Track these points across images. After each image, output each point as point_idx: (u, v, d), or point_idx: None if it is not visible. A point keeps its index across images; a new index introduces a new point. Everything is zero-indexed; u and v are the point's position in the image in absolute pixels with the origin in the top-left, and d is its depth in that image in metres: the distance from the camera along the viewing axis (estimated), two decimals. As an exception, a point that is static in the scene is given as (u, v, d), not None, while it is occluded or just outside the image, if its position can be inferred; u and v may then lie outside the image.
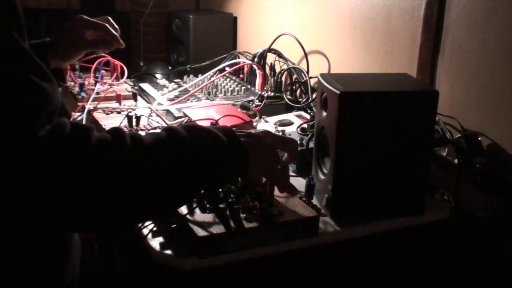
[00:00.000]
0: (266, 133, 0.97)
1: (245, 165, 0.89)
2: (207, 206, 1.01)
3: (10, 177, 0.70)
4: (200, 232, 0.94)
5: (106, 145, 0.76)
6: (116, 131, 0.79)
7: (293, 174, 1.32)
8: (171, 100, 1.78)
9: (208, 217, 0.99)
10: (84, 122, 1.55)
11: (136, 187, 0.77)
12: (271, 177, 1.00)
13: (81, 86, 1.84)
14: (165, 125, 1.25)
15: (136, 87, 1.93)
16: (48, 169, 0.71)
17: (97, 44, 1.37)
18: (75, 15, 1.34)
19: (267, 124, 1.58)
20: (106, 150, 0.75)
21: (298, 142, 1.36)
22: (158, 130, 0.88)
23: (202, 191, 0.89)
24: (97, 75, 1.94)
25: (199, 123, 1.42)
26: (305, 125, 1.48)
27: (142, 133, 0.99)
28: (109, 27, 1.35)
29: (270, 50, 2.00)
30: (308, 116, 1.66)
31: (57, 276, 0.94)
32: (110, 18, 1.38)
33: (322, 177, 1.16)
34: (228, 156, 0.86)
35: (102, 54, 1.95)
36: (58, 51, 1.30)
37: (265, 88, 1.92)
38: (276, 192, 1.09)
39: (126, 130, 1.25)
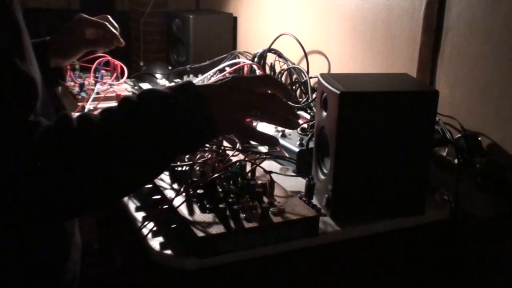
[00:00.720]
0: (235, 80, 0.86)
1: (212, 127, 0.80)
2: (207, 206, 1.01)
3: None
4: (200, 232, 0.94)
5: (50, 136, 0.73)
6: (60, 117, 0.76)
7: (293, 174, 1.32)
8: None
9: (208, 217, 0.99)
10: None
11: (91, 167, 0.74)
12: (245, 134, 0.91)
13: (81, 86, 1.84)
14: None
15: (136, 87, 1.93)
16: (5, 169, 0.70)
17: (97, 42, 1.37)
18: (75, 14, 1.34)
19: (267, 124, 1.57)
20: (51, 140, 0.73)
21: (298, 143, 1.36)
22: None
23: (165, 162, 0.83)
24: (97, 75, 1.94)
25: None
26: (305, 125, 1.48)
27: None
28: (108, 25, 1.35)
29: (270, 50, 2.00)
30: (308, 116, 1.66)
31: (57, 275, 0.94)
32: (109, 16, 1.38)
33: (322, 177, 1.16)
34: (190, 120, 0.79)
35: (102, 54, 1.96)
36: (58, 50, 1.31)
37: (265, 88, 1.91)
38: (276, 192, 1.09)
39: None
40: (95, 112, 0.80)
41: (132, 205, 1.13)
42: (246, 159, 1.16)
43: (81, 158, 0.73)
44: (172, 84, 0.81)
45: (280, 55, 2.00)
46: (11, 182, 0.71)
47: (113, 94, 1.81)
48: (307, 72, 1.88)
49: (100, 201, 0.81)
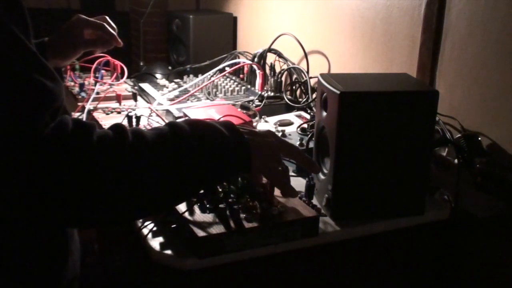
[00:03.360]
0: (270, 133, 0.97)
1: (247, 163, 0.89)
2: (207, 206, 1.01)
3: (13, 175, 0.70)
4: (200, 232, 0.94)
5: (107, 143, 0.76)
6: (117, 127, 0.80)
7: (293, 174, 1.32)
8: (171, 100, 1.78)
9: (208, 217, 0.99)
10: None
11: (138, 184, 0.77)
12: (272, 178, 0.99)
13: (81, 86, 1.84)
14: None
15: (136, 87, 1.93)
16: (50, 167, 0.71)
17: (96, 43, 1.38)
18: (74, 15, 1.34)
19: (267, 124, 1.58)
20: (108, 147, 0.76)
21: (298, 143, 1.36)
22: (161, 125, 0.88)
23: (204, 187, 0.89)
24: (97, 75, 1.94)
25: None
26: (305, 125, 1.48)
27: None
28: (107, 26, 1.35)
29: (270, 50, 2.00)
30: (308, 116, 1.66)
31: (57, 275, 0.94)
32: (107, 17, 1.38)
33: (322, 177, 1.16)
34: (231, 152, 0.87)
35: (102, 54, 1.96)
36: (56, 50, 1.31)
37: (265, 88, 1.92)
38: (276, 192, 1.09)
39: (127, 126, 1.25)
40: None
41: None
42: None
43: (132, 173, 0.77)
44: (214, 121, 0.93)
45: (280, 55, 2.00)
46: (61, 180, 0.72)
47: (113, 94, 1.80)
48: (307, 72, 1.88)
49: (143, 214, 0.89)
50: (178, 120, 0.88)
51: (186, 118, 0.88)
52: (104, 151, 0.75)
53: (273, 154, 0.94)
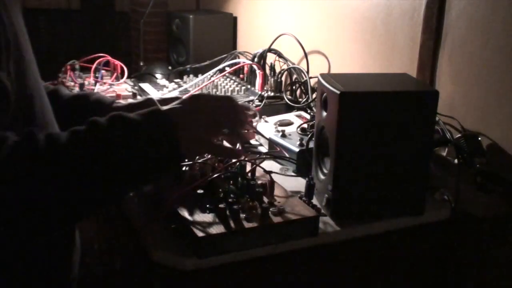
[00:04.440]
0: (200, 101, 0.92)
1: (177, 157, 0.86)
2: (207, 206, 1.01)
3: None
4: (200, 232, 0.94)
5: (18, 154, 0.74)
6: (28, 135, 0.77)
7: (293, 174, 1.32)
8: (171, 100, 1.78)
9: (208, 217, 0.99)
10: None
11: (60, 186, 0.76)
12: (214, 153, 0.96)
13: (81, 86, 1.84)
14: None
15: (136, 87, 1.93)
16: None
17: None
18: (148, 98, 1.22)
19: (267, 124, 1.58)
20: (19, 158, 0.74)
21: (298, 143, 1.36)
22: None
23: (132, 185, 0.87)
24: (97, 75, 1.94)
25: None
26: (305, 125, 1.48)
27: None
28: (228, 96, 1.26)
29: (270, 50, 2.00)
30: (308, 116, 1.66)
31: (58, 277, 0.94)
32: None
33: (322, 177, 1.16)
34: (157, 150, 0.83)
35: (102, 54, 1.96)
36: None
37: (265, 88, 1.92)
38: (276, 192, 1.09)
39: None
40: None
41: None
42: (246, 159, 1.16)
43: (47, 179, 0.75)
44: (141, 111, 0.87)
45: (280, 55, 1.99)
46: None
47: (113, 94, 1.80)
48: (307, 72, 1.88)
49: (59, 222, 0.82)
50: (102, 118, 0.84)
51: (111, 114, 0.84)
52: (16, 163, 0.73)
53: (205, 135, 0.90)
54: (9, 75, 0.77)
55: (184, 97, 0.94)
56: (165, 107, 0.89)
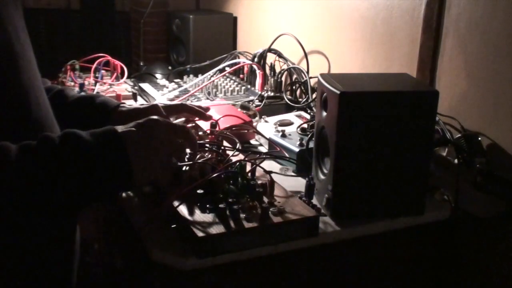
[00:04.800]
0: (155, 127, 0.91)
1: (128, 183, 0.86)
2: (207, 206, 1.01)
3: None
4: (200, 232, 0.94)
5: None
6: None
7: (293, 174, 1.32)
8: (171, 100, 1.78)
9: (208, 217, 0.99)
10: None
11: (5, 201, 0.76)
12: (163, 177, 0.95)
13: (81, 86, 1.84)
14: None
15: (136, 87, 1.93)
16: None
17: None
18: (153, 105, 1.20)
19: (267, 124, 1.58)
20: None
21: (298, 143, 1.36)
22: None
23: (87, 202, 0.87)
24: (97, 75, 1.94)
25: (199, 123, 1.42)
26: (305, 125, 1.48)
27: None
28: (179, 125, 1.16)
29: (270, 50, 2.00)
30: (308, 116, 1.66)
31: (55, 282, 0.94)
32: (187, 104, 1.24)
33: (322, 177, 1.16)
34: (108, 174, 0.83)
35: (102, 54, 1.96)
36: (119, 123, 1.22)
37: (265, 88, 1.92)
38: (276, 192, 1.09)
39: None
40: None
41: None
42: (246, 159, 1.16)
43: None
44: (95, 130, 0.86)
45: (280, 55, 2.00)
46: None
47: (113, 94, 1.81)
48: (307, 72, 1.89)
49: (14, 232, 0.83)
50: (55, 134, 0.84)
51: (65, 130, 0.85)
52: None
53: (157, 158, 0.90)
54: None
55: (141, 120, 0.92)
56: (120, 128, 0.88)
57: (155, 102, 1.23)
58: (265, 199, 1.06)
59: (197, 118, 1.26)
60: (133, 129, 0.88)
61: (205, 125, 1.33)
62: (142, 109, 1.17)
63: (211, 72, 1.93)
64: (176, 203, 1.02)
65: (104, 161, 0.82)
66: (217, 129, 1.33)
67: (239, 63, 1.98)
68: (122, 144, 0.85)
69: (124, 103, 1.22)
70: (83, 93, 1.74)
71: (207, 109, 1.26)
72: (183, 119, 1.26)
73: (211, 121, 1.34)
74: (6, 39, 0.80)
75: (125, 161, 0.84)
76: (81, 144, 0.82)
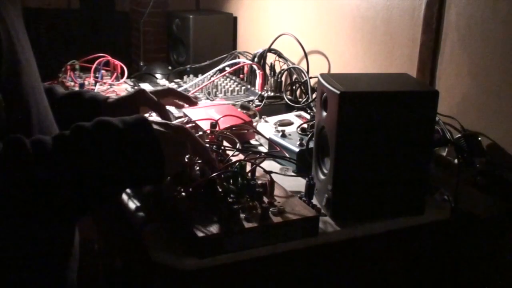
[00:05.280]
0: (181, 129, 0.96)
1: (160, 169, 0.88)
2: (207, 206, 1.01)
3: None
4: (200, 232, 0.94)
5: (5, 162, 0.75)
6: (12, 141, 0.78)
7: (293, 174, 1.32)
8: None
9: (208, 217, 0.99)
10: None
11: (48, 191, 0.77)
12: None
13: (81, 86, 1.84)
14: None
15: (136, 87, 1.93)
16: None
17: None
18: (139, 90, 1.23)
19: (267, 124, 1.58)
20: (6, 165, 0.75)
21: (298, 143, 1.36)
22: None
23: (118, 190, 0.89)
24: (97, 75, 1.94)
25: (199, 123, 1.42)
26: (305, 125, 1.48)
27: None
28: (165, 109, 1.22)
29: (270, 50, 2.00)
30: (308, 116, 1.66)
31: (54, 283, 0.94)
32: (174, 89, 1.27)
33: (322, 177, 1.16)
34: (140, 161, 0.85)
35: (102, 54, 1.96)
36: (109, 115, 1.23)
37: (265, 88, 1.92)
38: (276, 192, 1.09)
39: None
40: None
41: (132, 205, 1.13)
42: (246, 159, 1.16)
43: (36, 183, 0.76)
44: (127, 118, 0.90)
45: (280, 55, 2.00)
46: None
47: (113, 94, 1.81)
48: (307, 72, 1.88)
49: (43, 223, 0.84)
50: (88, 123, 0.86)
51: (97, 118, 0.87)
52: (4, 171, 0.74)
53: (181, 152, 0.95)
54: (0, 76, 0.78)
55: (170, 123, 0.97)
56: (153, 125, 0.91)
57: (141, 88, 1.25)
58: (265, 199, 1.06)
59: (184, 104, 1.29)
60: (163, 127, 0.92)
61: (205, 125, 1.33)
62: (129, 96, 1.20)
63: (211, 72, 1.93)
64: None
65: (139, 149, 0.85)
66: (217, 129, 1.33)
67: (239, 63, 1.98)
68: (155, 134, 0.88)
69: (110, 96, 1.23)
70: (70, 90, 1.74)
71: (196, 98, 1.29)
72: (185, 119, 1.28)
73: (211, 121, 1.34)
74: (11, 42, 0.80)
75: (158, 149, 0.87)
76: (116, 131, 0.84)
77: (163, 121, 0.94)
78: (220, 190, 1.06)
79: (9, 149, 0.76)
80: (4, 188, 0.74)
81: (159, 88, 1.40)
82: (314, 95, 1.75)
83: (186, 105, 1.31)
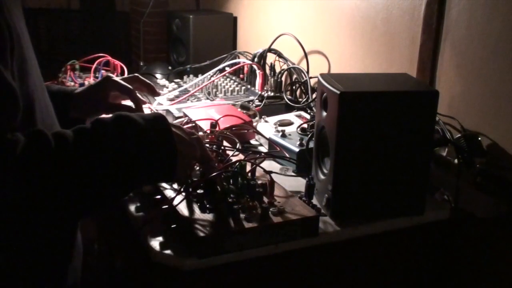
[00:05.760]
0: (196, 138, 0.99)
1: (172, 168, 0.90)
2: (207, 206, 1.01)
3: None
4: (200, 232, 0.94)
5: (30, 154, 0.76)
6: (36, 134, 0.78)
7: (293, 174, 1.32)
8: (171, 100, 1.78)
9: (208, 217, 0.99)
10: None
11: (67, 185, 0.78)
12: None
13: (81, 86, 1.84)
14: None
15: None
16: None
17: (120, 109, 1.22)
18: (106, 77, 1.23)
19: (267, 124, 1.58)
20: (31, 159, 0.75)
21: (298, 143, 1.36)
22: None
23: (127, 187, 0.90)
24: (97, 75, 1.94)
25: (199, 123, 1.42)
26: (305, 125, 1.48)
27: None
28: (134, 92, 1.21)
29: (270, 50, 2.00)
30: (308, 116, 1.66)
31: (57, 280, 0.94)
32: (139, 76, 1.28)
33: (322, 177, 1.16)
34: (156, 157, 0.87)
35: (102, 54, 1.96)
36: (79, 105, 1.21)
37: (265, 88, 1.92)
38: (276, 192, 1.09)
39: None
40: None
41: (132, 205, 1.13)
42: (246, 159, 1.16)
43: (59, 176, 0.77)
44: (146, 114, 0.93)
45: (280, 55, 2.00)
46: None
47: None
48: (307, 72, 1.88)
49: (63, 219, 0.84)
50: (107, 116, 0.89)
51: (116, 113, 0.90)
52: (28, 163, 0.75)
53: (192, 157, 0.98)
54: (13, 76, 0.78)
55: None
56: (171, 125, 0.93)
57: (108, 74, 1.27)
58: (265, 199, 1.06)
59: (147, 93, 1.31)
60: (177, 128, 0.95)
61: (205, 125, 1.33)
62: (97, 83, 1.22)
63: (211, 72, 1.93)
64: (176, 203, 1.02)
65: (156, 144, 0.87)
66: (217, 129, 1.33)
67: (239, 63, 1.98)
68: (171, 130, 0.90)
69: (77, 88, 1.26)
70: None
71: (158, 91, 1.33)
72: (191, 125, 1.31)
73: (211, 121, 1.34)
74: (19, 43, 0.81)
75: (173, 145, 0.89)
76: (136, 125, 0.87)
77: (177, 123, 0.97)
78: (220, 190, 1.06)
79: (32, 142, 0.76)
80: (27, 182, 0.74)
81: (125, 76, 1.41)
82: (314, 95, 1.75)
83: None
